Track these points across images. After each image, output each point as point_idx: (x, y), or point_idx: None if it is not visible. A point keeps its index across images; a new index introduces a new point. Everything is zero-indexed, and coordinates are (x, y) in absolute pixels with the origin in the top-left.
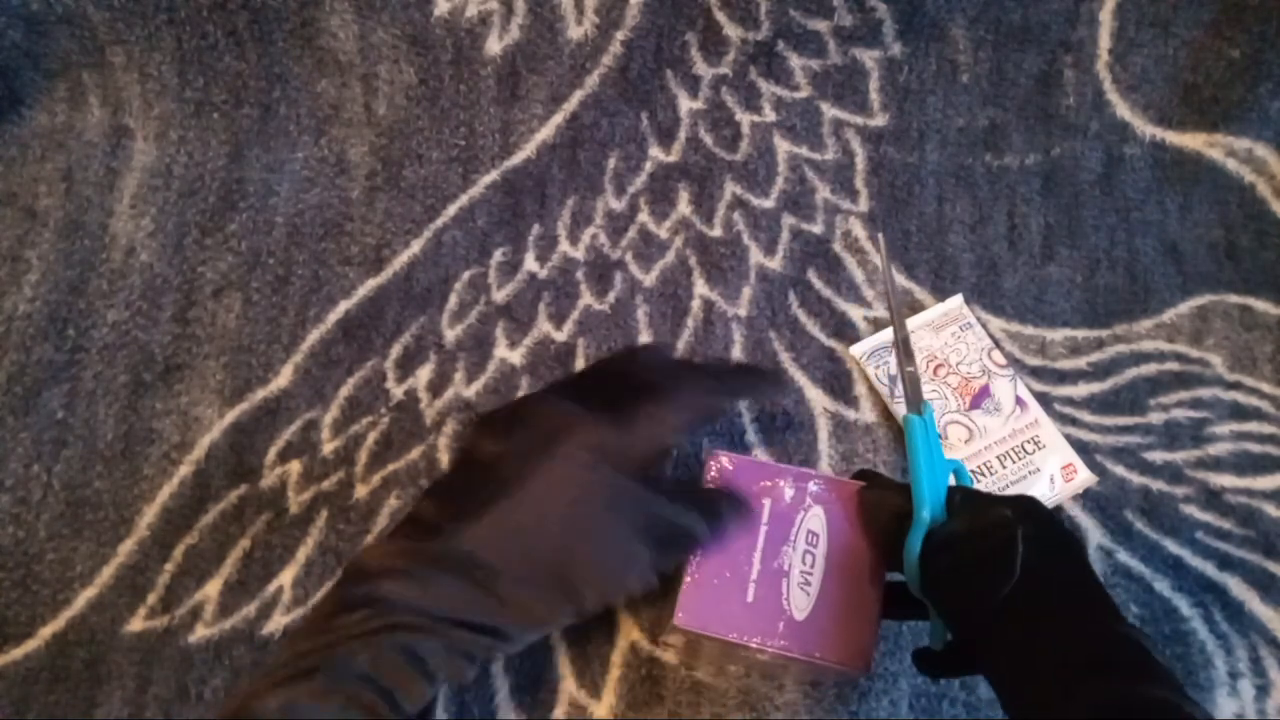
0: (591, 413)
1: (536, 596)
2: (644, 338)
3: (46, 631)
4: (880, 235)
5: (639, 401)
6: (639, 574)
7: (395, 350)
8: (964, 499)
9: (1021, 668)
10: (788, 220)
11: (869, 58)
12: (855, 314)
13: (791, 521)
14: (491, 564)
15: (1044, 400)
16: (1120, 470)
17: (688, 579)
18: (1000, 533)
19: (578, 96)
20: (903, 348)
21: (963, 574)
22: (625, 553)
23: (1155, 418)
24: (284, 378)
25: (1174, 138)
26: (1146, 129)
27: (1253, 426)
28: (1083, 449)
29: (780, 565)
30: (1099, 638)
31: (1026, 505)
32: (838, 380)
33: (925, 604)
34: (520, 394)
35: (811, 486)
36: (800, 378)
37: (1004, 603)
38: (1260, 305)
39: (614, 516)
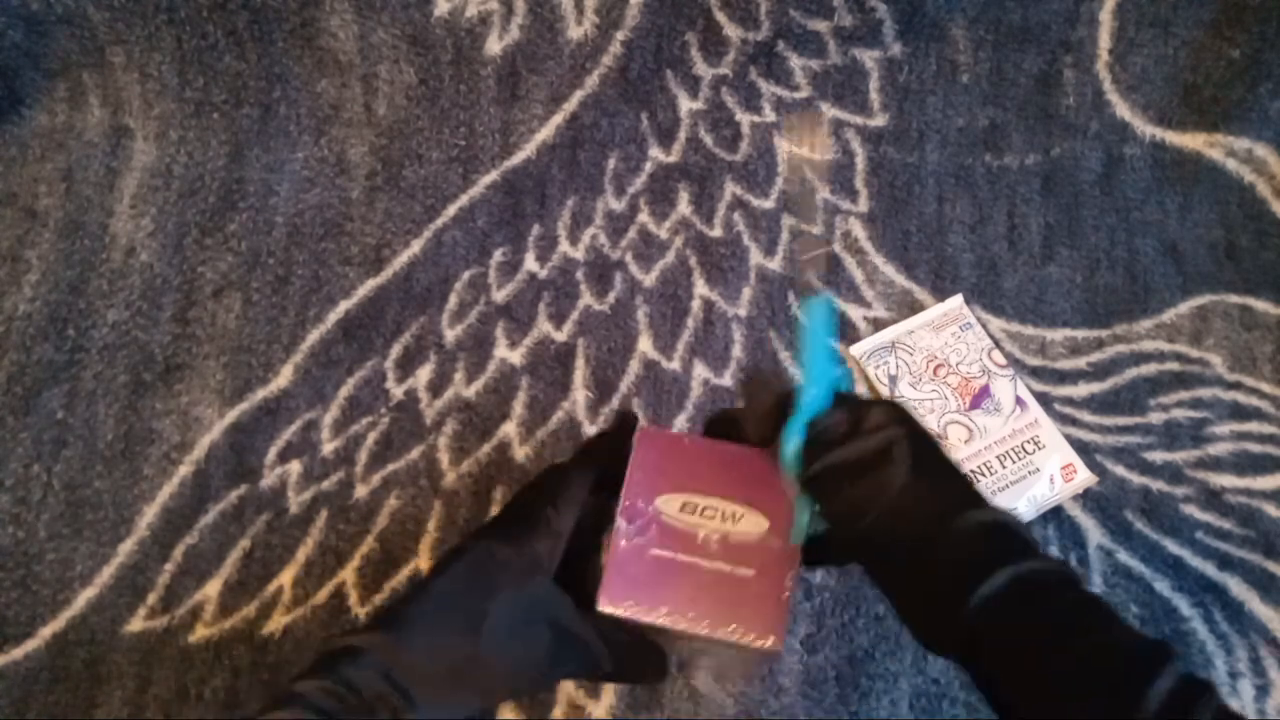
0: (495, 540)
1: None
2: (644, 338)
3: (46, 631)
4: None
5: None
6: (536, 667)
7: (395, 350)
8: (845, 397)
9: (915, 571)
10: (788, 220)
11: (869, 58)
12: (855, 314)
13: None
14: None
15: (1044, 400)
16: (1120, 470)
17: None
18: (886, 431)
19: (578, 96)
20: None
21: (849, 472)
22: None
23: (1155, 418)
24: (284, 378)
25: (1174, 138)
26: (1146, 129)
27: (1253, 426)
28: (1083, 449)
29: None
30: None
31: (902, 410)
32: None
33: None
34: (519, 394)
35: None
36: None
37: (890, 502)
38: (1260, 305)
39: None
